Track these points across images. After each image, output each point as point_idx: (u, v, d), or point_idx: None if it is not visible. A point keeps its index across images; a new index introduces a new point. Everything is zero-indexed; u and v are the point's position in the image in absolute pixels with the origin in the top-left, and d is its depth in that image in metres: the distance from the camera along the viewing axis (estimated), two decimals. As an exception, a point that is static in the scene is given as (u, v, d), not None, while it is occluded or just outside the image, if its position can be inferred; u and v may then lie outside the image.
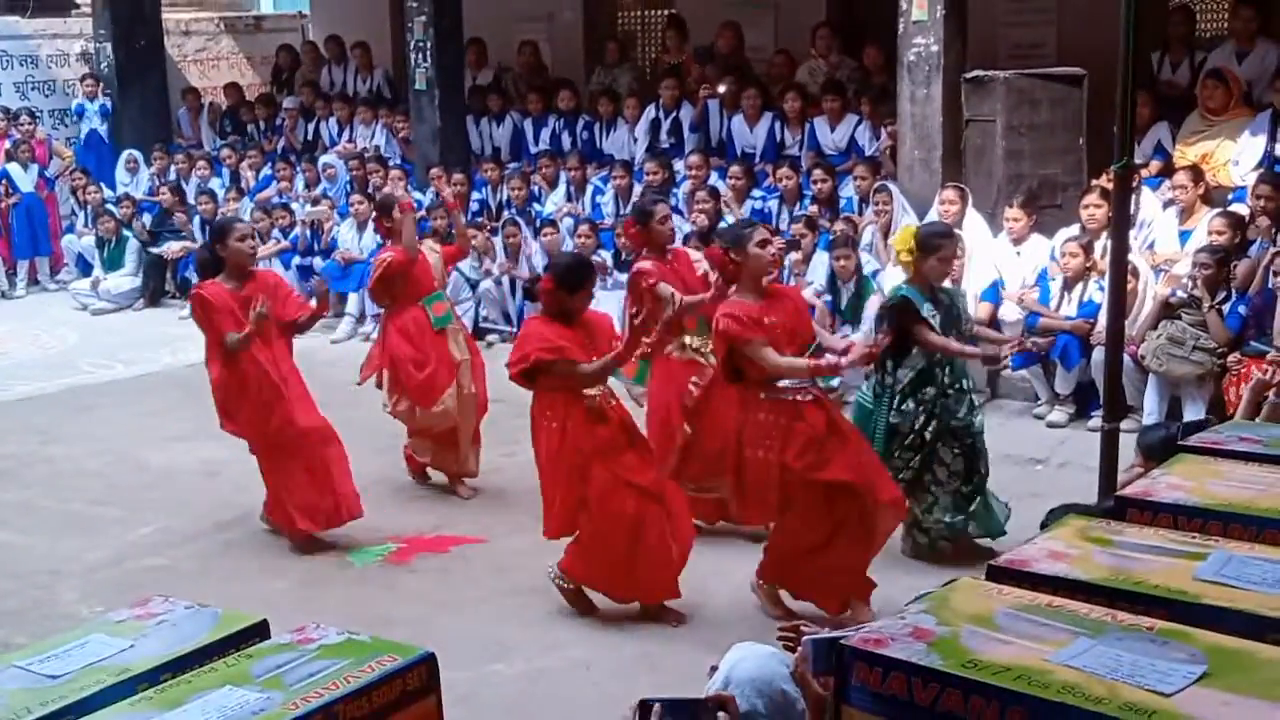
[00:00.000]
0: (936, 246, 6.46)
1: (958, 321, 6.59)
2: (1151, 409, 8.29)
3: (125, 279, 13.55)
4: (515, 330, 11.30)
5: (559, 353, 5.84)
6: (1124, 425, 7.57)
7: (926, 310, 6.39)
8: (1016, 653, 1.82)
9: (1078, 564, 2.11)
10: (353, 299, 12.13)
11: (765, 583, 6.17)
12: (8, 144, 14.66)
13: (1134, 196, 8.80)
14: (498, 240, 11.63)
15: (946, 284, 6.74)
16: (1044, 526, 3.75)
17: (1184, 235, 9.03)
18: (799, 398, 5.84)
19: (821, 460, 5.78)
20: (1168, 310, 8.35)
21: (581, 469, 5.93)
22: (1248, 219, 8.66)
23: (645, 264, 6.89)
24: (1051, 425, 8.72)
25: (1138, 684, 1.73)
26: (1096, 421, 7.65)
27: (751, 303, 5.88)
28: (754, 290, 5.94)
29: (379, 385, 8.09)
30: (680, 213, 11.17)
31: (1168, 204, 9.29)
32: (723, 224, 10.50)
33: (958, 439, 6.56)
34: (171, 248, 13.43)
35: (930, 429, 6.50)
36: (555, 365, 5.84)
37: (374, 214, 8.46)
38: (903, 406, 6.51)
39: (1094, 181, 9.16)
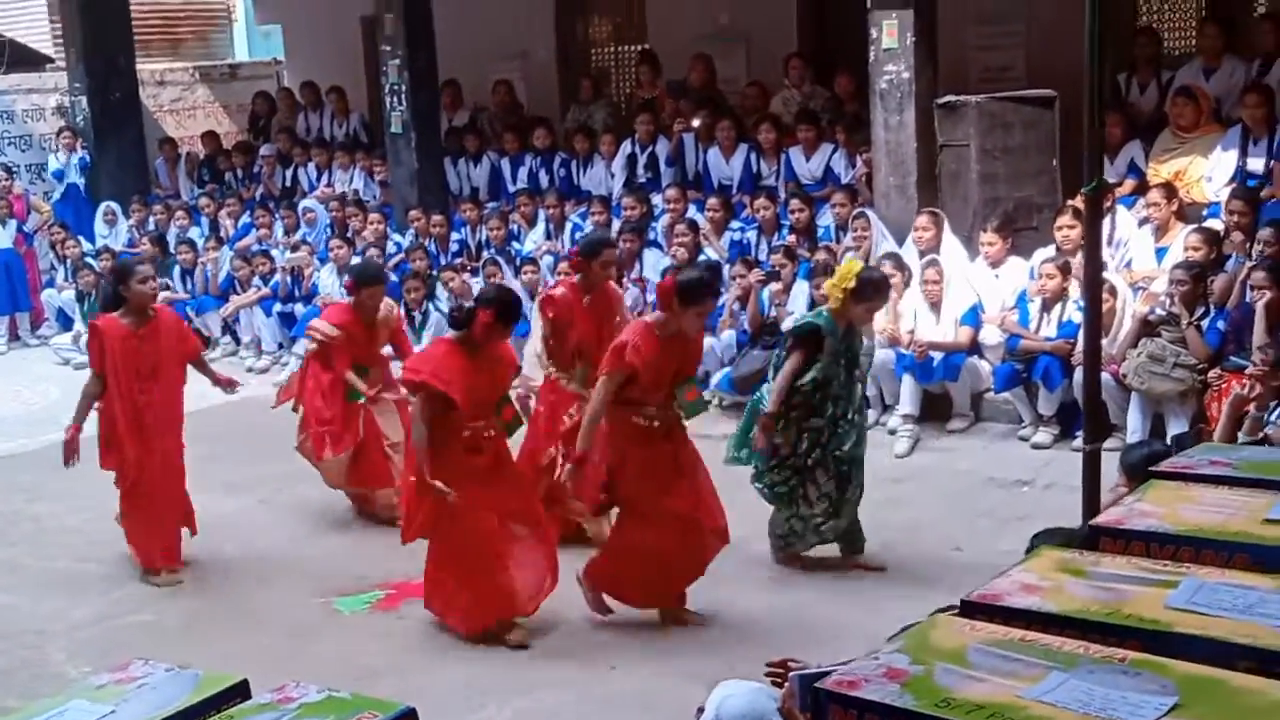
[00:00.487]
0: (869, 297, 6.72)
1: (854, 364, 6.83)
2: (1135, 427, 8.31)
3: (107, 331, 13.51)
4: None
5: (446, 387, 6.17)
6: (1108, 444, 7.65)
7: (829, 343, 6.65)
8: (990, 690, 1.82)
9: (1050, 596, 2.12)
10: (303, 343, 12.21)
11: (591, 588, 6.50)
12: (-15, 200, 14.66)
13: (1109, 215, 8.90)
14: (477, 281, 11.63)
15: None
16: (1029, 552, 3.75)
17: (1160, 252, 9.08)
18: (654, 424, 6.22)
19: (658, 486, 6.22)
20: (1147, 328, 8.37)
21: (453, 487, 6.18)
22: (1223, 234, 8.72)
23: (557, 291, 7.25)
24: (1036, 447, 8.73)
25: (1109, 717, 1.73)
26: (1081, 442, 7.66)
27: (660, 337, 6.17)
28: (672, 331, 6.23)
29: (296, 409, 8.39)
30: (660, 246, 11.22)
31: (1143, 222, 9.33)
32: (701, 257, 10.57)
33: (835, 468, 6.81)
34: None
35: (812, 456, 6.79)
36: (435, 396, 6.18)
37: (348, 279, 8.54)
38: (786, 428, 6.75)
39: (1068, 202, 9.20)
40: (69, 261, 14.28)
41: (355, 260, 12.11)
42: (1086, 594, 2.12)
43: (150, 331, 7.32)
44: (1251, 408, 6.85)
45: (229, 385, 8.01)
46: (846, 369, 6.80)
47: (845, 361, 6.78)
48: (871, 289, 6.73)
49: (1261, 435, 6.52)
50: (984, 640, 1.96)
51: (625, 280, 10.17)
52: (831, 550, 7.14)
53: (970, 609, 2.11)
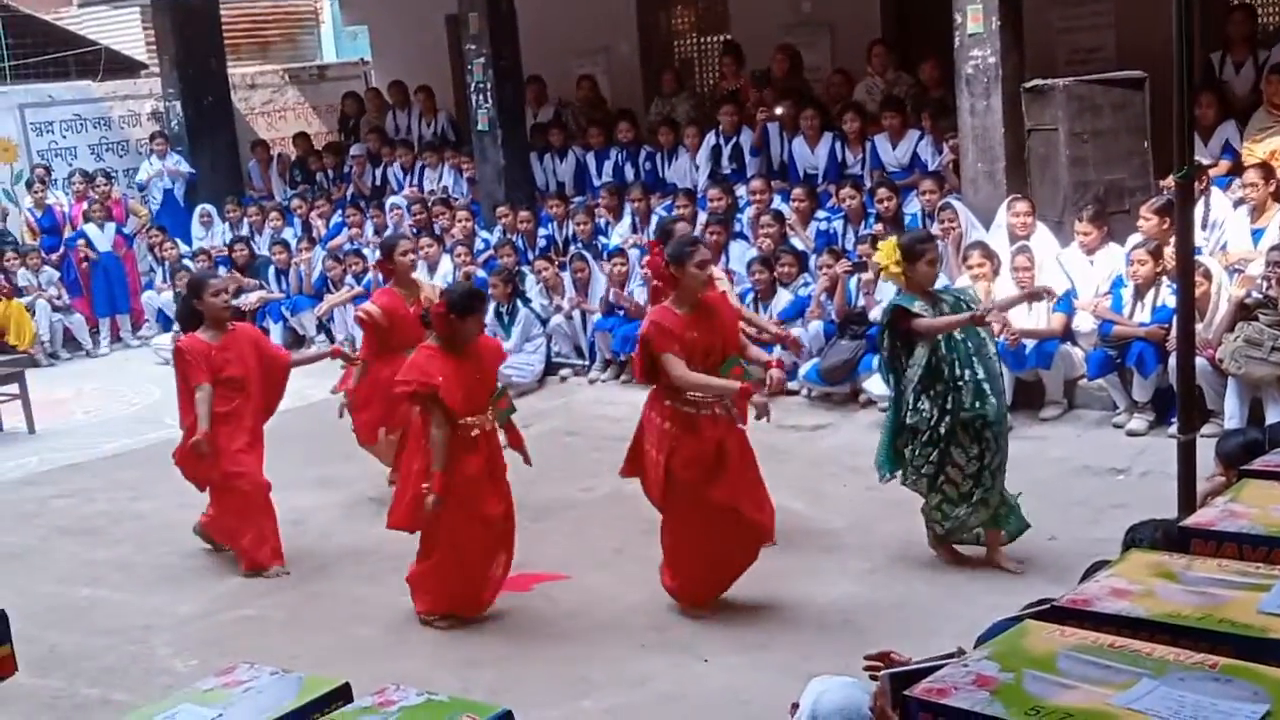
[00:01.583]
0: (921, 252, 6.67)
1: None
2: (1232, 413, 8.18)
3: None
4: (588, 364, 11.41)
5: (431, 390, 6.35)
6: (1205, 430, 7.58)
7: (918, 307, 6.62)
8: (1080, 698, 1.82)
9: (1140, 601, 2.11)
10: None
11: (677, 600, 6.58)
12: (85, 205, 15.03)
13: (1203, 198, 8.75)
14: (566, 275, 11.72)
15: (946, 285, 7.14)
16: (1126, 545, 3.74)
17: (1256, 234, 8.92)
18: (700, 411, 6.22)
19: (703, 477, 6.24)
20: (1244, 312, 8.23)
21: (444, 491, 6.38)
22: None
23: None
24: (1131, 434, 8.62)
25: (1201, 724, 1.73)
26: (1176, 429, 7.56)
27: (681, 314, 6.22)
28: (687, 302, 6.28)
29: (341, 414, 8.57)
30: (745, 238, 11.23)
31: (1238, 203, 9.17)
32: (784, 246, 10.56)
33: (972, 434, 6.66)
34: (249, 299, 13.67)
35: (944, 424, 6.64)
36: (425, 400, 6.39)
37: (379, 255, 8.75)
38: (918, 405, 6.68)
39: (1160, 185, 9.06)
40: (167, 263, 14.61)
41: (445, 259, 12.27)
42: (1177, 598, 2.11)
43: (230, 342, 7.54)
44: None
45: (336, 355, 8.42)
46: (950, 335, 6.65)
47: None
48: (917, 245, 6.74)
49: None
50: (1074, 646, 1.97)
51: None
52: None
53: (1060, 614, 2.11)
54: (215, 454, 7.54)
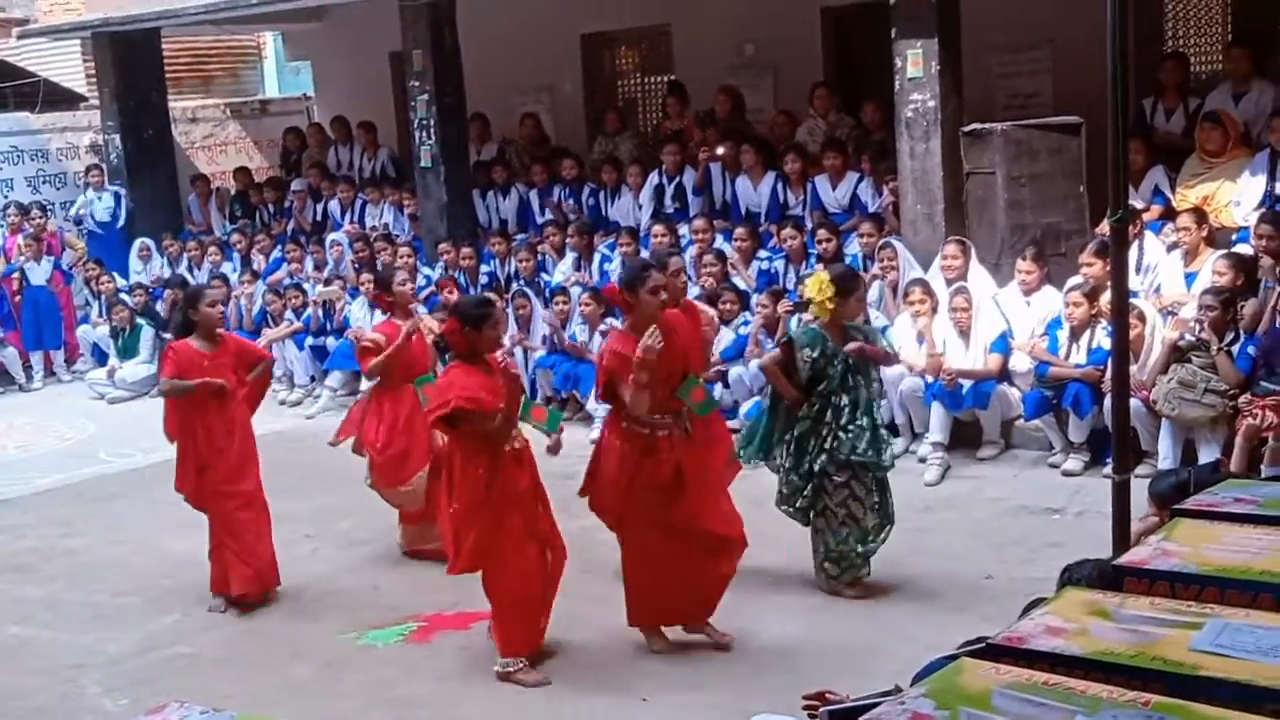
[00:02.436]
0: (854, 288, 7.02)
1: (856, 368, 6.96)
2: (1166, 453, 8.29)
3: (141, 366, 13.64)
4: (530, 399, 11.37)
5: (479, 404, 6.12)
6: (1139, 470, 7.68)
7: (804, 354, 6.91)
8: (1015, 734, 1.84)
9: (1075, 639, 2.13)
10: (335, 375, 12.41)
11: (638, 626, 6.56)
12: (20, 238, 14.84)
13: (1136, 242, 8.90)
14: (508, 312, 11.71)
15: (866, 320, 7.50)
16: (1060, 584, 3.77)
17: (1189, 277, 9.06)
18: (657, 432, 6.26)
19: (663, 498, 6.27)
20: (1177, 354, 8.35)
21: (499, 514, 6.25)
22: (1254, 258, 8.70)
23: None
24: (1067, 474, 8.72)
25: (1133, 762, 1.74)
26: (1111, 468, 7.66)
27: (634, 338, 6.20)
28: (642, 328, 6.24)
29: (356, 450, 8.29)
30: (688, 276, 11.26)
31: (1172, 247, 9.32)
32: (726, 285, 10.62)
33: (854, 473, 6.92)
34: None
35: (819, 461, 6.93)
36: (474, 416, 6.12)
37: (374, 288, 8.73)
38: (800, 433, 7.01)
39: (1094, 230, 9.20)
40: (103, 297, 14.45)
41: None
42: (1111, 636, 2.13)
43: (221, 354, 7.55)
44: (1271, 437, 6.83)
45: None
46: (845, 372, 6.93)
47: (844, 365, 6.92)
48: (848, 279, 7.07)
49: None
50: (1009, 684, 1.98)
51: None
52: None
53: (995, 651, 2.12)
54: (204, 470, 7.52)
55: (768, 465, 7.32)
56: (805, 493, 7.04)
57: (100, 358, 14.34)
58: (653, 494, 6.30)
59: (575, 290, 11.58)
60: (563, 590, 6.80)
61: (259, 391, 7.97)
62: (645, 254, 11.29)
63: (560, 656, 6.58)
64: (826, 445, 6.93)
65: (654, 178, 12.54)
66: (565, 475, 7.09)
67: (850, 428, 6.91)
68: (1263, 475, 6.85)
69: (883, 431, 7.15)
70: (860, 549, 7.02)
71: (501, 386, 6.25)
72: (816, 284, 6.95)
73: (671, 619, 6.60)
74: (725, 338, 10.34)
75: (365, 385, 11.44)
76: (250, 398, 7.81)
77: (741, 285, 10.80)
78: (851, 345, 6.92)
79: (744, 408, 9.96)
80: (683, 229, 11.79)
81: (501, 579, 6.34)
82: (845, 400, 6.93)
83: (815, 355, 6.92)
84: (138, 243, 15.32)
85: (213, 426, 7.49)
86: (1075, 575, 3.88)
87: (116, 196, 15.75)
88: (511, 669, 6.35)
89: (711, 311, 8.38)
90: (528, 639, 6.43)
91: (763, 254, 11.20)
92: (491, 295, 6.80)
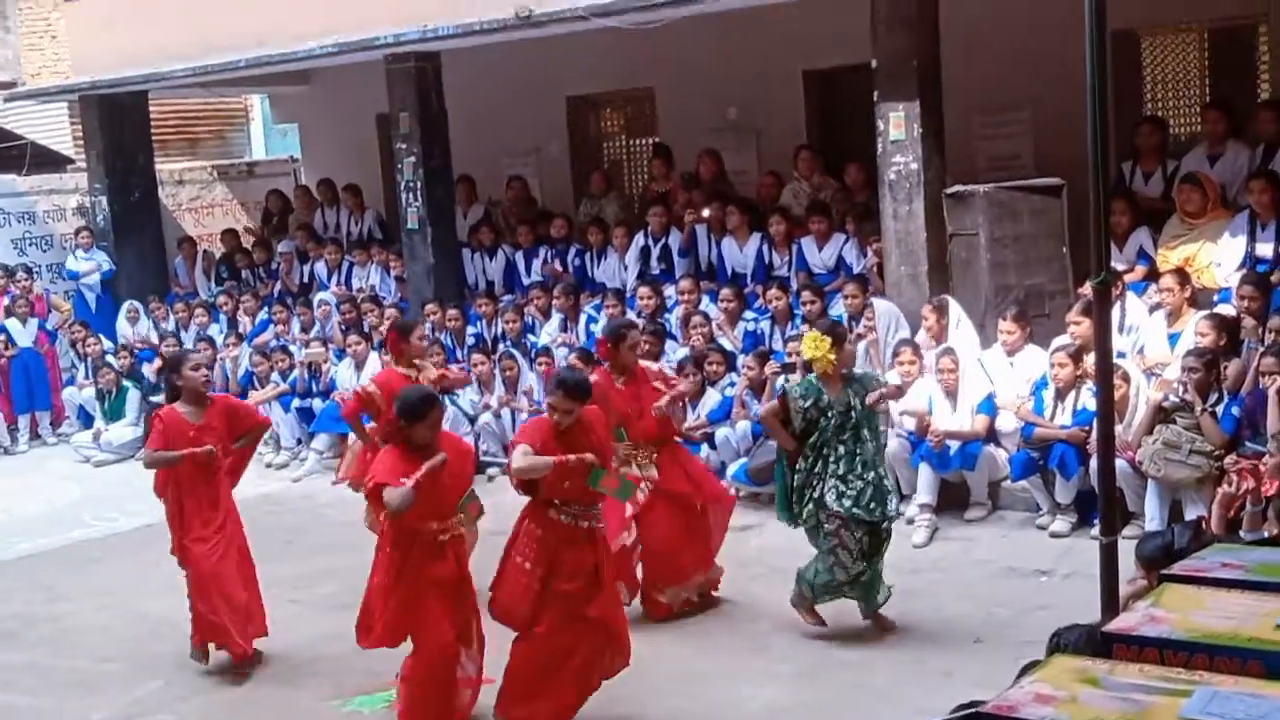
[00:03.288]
0: (843, 335, 7.30)
1: (854, 422, 7.12)
2: (1153, 514, 8.30)
3: (127, 429, 13.59)
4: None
5: (392, 479, 6.03)
6: (1127, 532, 7.69)
7: (797, 404, 7.11)
8: (1006, 805, 1.84)
9: (1064, 707, 2.14)
10: (321, 438, 12.32)
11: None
12: (6, 300, 14.83)
13: (1119, 302, 8.96)
14: (495, 373, 11.72)
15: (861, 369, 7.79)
16: (1052, 648, 3.77)
17: (1173, 338, 9.11)
18: (579, 523, 6.20)
19: (584, 591, 6.18)
20: (1162, 415, 8.39)
21: (414, 599, 6.22)
22: (1236, 319, 8.75)
23: (592, 378, 7.06)
24: (1055, 535, 8.71)
25: (1127, 832, 1.74)
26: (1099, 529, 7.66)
27: (554, 425, 6.22)
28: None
29: (354, 488, 8.23)
30: (675, 338, 11.31)
31: (1155, 308, 9.38)
32: (712, 346, 10.65)
33: (843, 523, 7.08)
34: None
35: (806, 510, 7.17)
36: (386, 491, 6.00)
37: (391, 335, 8.65)
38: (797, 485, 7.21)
39: (1079, 291, 9.25)
40: (89, 360, 14.42)
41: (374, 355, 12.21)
42: (1101, 704, 2.14)
43: (210, 419, 7.47)
44: (1248, 503, 6.85)
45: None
46: (842, 426, 7.09)
47: (839, 419, 7.09)
48: (837, 328, 7.38)
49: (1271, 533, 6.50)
50: (1000, 753, 1.99)
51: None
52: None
53: (985, 720, 2.13)
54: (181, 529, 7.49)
55: (805, 530, 7.33)
56: (826, 540, 7.19)
57: (86, 420, 14.29)
58: (577, 584, 6.18)
59: (561, 351, 11.60)
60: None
61: (243, 461, 7.88)
62: (630, 315, 11.34)
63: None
64: (816, 495, 7.11)
65: (640, 239, 12.60)
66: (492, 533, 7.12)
67: (851, 479, 7.06)
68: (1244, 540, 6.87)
69: (888, 484, 7.29)
70: (836, 583, 7.20)
71: (440, 477, 6.15)
72: (812, 342, 7.14)
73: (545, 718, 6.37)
74: (712, 399, 10.36)
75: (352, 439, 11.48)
76: (234, 467, 7.74)
77: (728, 346, 10.83)
78: (871, 396, 7.14)
79: (731, 469, 9.96)
80: (669, 290, 11.83)
81: (412, 660, 6.36)
82: (841, 451, 7.07)
83: (807, 405, 7.08)
84: (126, 305, 15.32)
85: (199, 493, 7.44)
86: (1064, 640, 3.88)
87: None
88: None
89: (658, 367, 8.52)
90: (427, 717, 6.40)
91: (748, 315, 11.24)
92: (435, 394, 6.77)
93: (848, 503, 7.03)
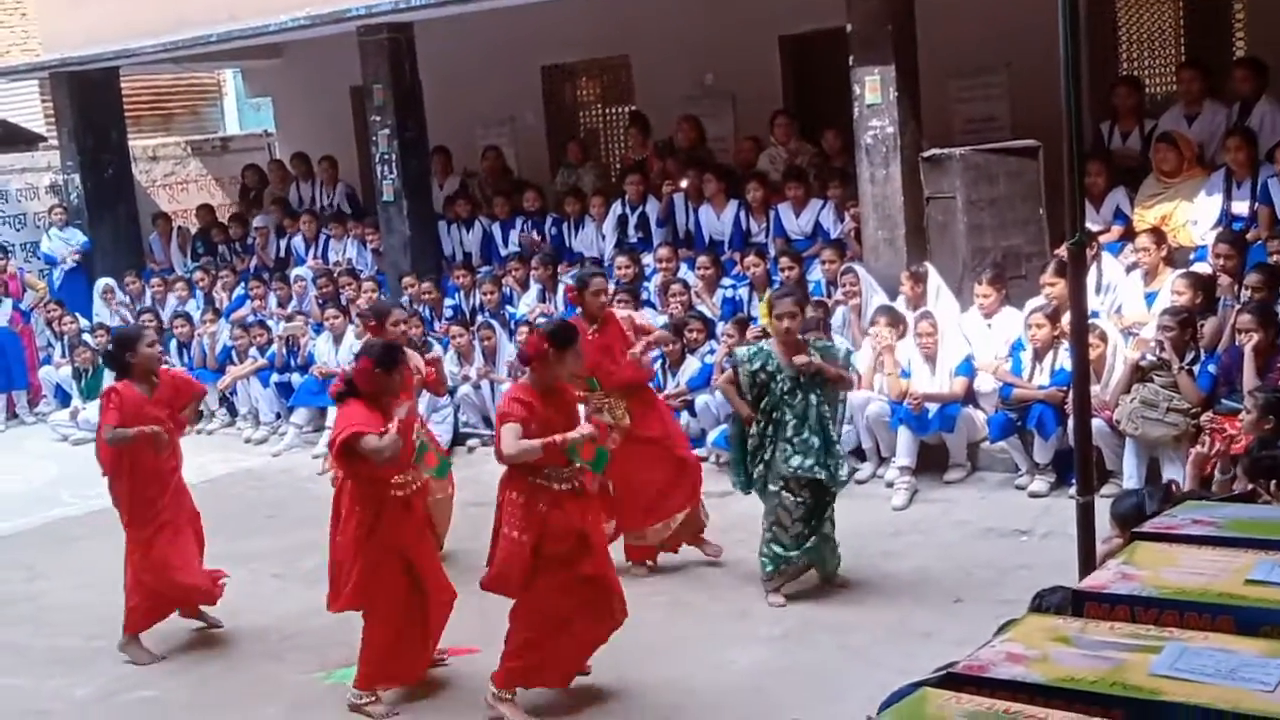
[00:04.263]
0: (773, 306, 7.29)
1: (805, 387, 7.18)
2: (1131, 473, 8.33)
3: (105, 407, 13.51)
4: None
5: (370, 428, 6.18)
6: (1105, 491, 7.72)
7: (744, 369, 7.23)
8: (977, 764, 1.84)
9: (1036, 666, 2.14)
10: (300, 412, 12.30)
11: (504, 689, 6.29)
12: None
13: (1094, 264, 8.97)
14: (475, 344, 11.70)
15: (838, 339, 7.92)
16: (1034, 609, 3.79)
17: (1150, 297, 9.13)
18: (559, 487, 6.15)
19: (575, 551, 6.16)
20: (1139, 374, 8.41)
21: (379, 557, 6.37)
22: (1213, 277, 8.77)
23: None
24: (1033, 495, 8.75)
25: (1096, 788, 1.75)
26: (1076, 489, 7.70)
27: (537, 392, 6.20)
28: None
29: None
30: (653, 305, 11.29)
31: (1131, 268, 9.40)
32: (692, 313, 10.64)
33: (786, 484, 7.19)
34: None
35: (756, 470, 7.29)
36: (366, 442, 6.13)
37: (366, 320, 8.60)
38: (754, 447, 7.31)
39: (1054, 253, 9.26)
40: (65, 338, 14.35)
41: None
42: (1072, 662, 2.14)
43: (160, 394, 7.42)
44: (1216, 470, 6.88)
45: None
46: (793, 390, 7.16)
47: (789, 384, 7.17)
48: (775, 300, 7.35)
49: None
50: (969, 713, 1.99)
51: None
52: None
53: (957, 680, 2.13)
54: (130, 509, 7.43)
55: (756, 492, 7.45)
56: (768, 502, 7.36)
57: (63, 399, 14.24)
58: (568, 544, 6.16)
59: (540, 322, 11.56)
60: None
61: (182, 429, 7.80)
62: (610, 284, 11.31)
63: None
64: (766, 457, 7.24)
65: (617, 208, 12.57)
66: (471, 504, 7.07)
67: (795, 442, 7.13)
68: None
69: (838, 449, 7.30)
70: (784, 553, 7.28)
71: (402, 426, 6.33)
72: (764, 307, 7.40)
73: (544, 682, 6.41)
74: (691, 366, 10.36)
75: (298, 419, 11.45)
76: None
77: (707, 314, 10.82)
78: (799, 359, 7.11)
79: (711, 435, 9.97)
80: (647, 258, 11.81)
81: (374, 620, 6.49)
82: (790, 415, 7.15)
83: (755, 369, 7.20)
84: (101, 283, 15.22)
85: (148, 471, 7.37)
86: (1047, 602, 3.89)
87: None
88: (362, 701, 6.50)
89: (630, 313, 8.58)
90: (388, 676, 6.56)
91: (726, 282, 11.23)
92: (400, 344, 6.87)
93: (795, 461, 7.14)
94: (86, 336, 14.08)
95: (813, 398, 7.19)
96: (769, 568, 7.40)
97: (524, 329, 11.33)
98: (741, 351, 7.48)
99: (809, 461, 7.13)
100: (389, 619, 6.46)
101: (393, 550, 6.41)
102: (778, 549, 7.33)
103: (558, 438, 6.02)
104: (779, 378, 7.17)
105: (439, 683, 6.78)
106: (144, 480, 7.38)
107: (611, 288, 11.07)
